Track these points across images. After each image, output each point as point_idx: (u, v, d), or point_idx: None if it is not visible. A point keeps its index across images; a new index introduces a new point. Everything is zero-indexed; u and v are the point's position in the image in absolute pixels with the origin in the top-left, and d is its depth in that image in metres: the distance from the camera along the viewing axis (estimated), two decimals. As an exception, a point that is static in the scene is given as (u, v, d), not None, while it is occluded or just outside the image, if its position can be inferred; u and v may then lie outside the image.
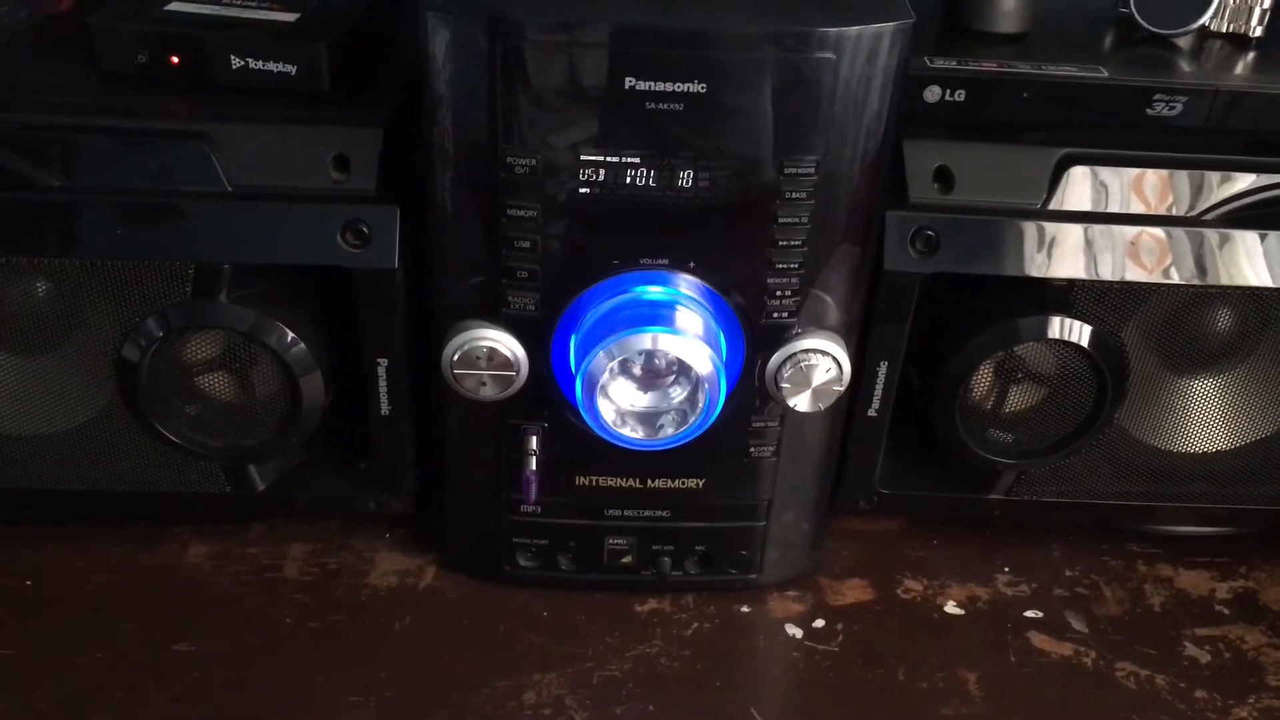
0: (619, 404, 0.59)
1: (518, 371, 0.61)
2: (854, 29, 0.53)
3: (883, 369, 0.66)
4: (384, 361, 0.64)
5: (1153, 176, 0.64)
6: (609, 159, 0.55)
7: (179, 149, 0.60)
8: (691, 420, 0.59)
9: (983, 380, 0.67)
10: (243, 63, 0.62)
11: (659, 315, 0.57)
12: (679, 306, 0.58)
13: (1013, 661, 0.67)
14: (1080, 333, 0.64)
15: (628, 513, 0.68)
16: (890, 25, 0.53)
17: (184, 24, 0.64)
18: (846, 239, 0.59)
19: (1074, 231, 0.62)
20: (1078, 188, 0.63)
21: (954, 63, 0.64)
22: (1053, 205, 0.63)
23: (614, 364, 0.57)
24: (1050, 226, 0.62)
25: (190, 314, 0.62)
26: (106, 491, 0.68)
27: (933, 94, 0.64)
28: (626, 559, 0.69)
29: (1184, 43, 0.71)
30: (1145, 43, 0.71)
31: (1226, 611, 0.72)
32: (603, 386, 0.57)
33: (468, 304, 0.60)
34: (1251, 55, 0.70)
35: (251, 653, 0.66)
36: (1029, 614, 0.71)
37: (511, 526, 0.68)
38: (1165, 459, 0.71)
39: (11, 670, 0.64)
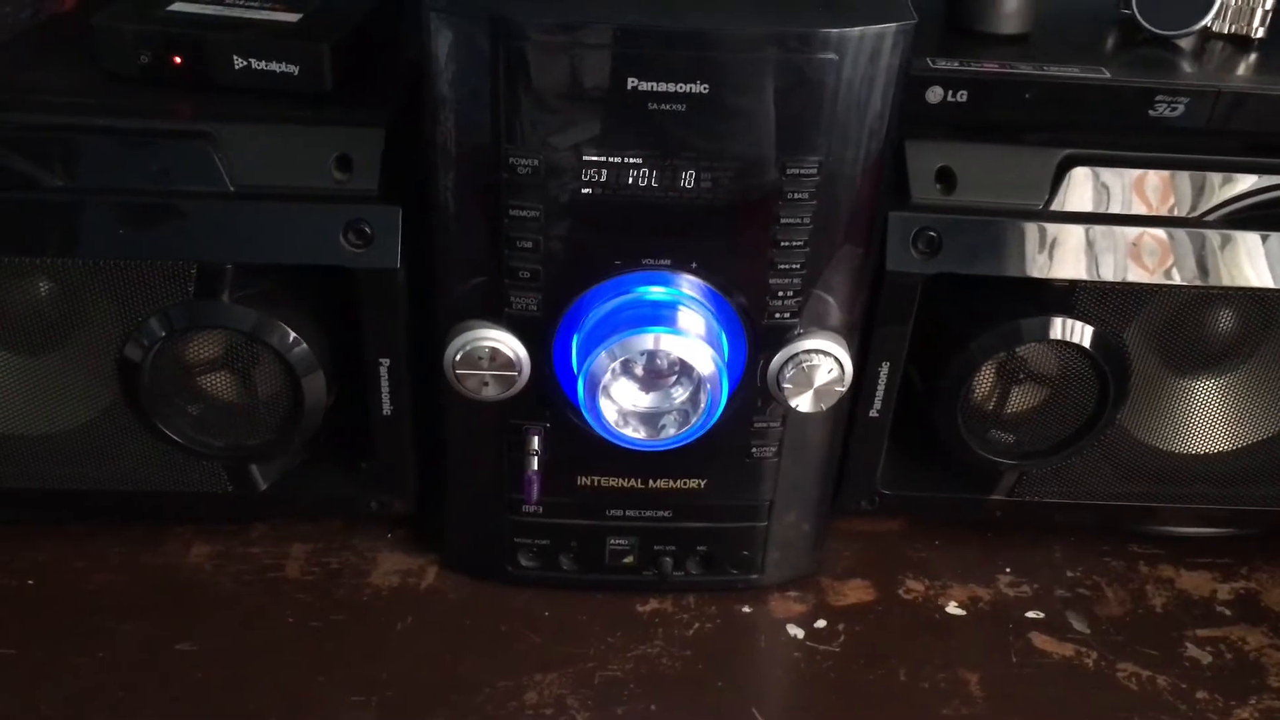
0: (621, 404, 0.59)
1: (520, 372, 0.61)
2: (856, 30, 0.53)
3: (884, 369, 0.66)
4: (386, 361, 0.64)
5: (1155, 177, 0.64)
6: (611, 159, 0.55)
7: (182, 149, 0.60)
8: (693, 421, 0.59)
9: (984, 381, 0.67)
10: (245, 63, 0.62)
11: (661, 315, 0.57)
12: (681, 307, 0.58)
13: (1014, 662, 0.67)
14: (1082, 333, 0.64)
15: (629, 513, 0.68)
16: (892, 26, 0.53)
17: (187, 24, 0.64)
18: (849, 240, 0.59)
19: (1076, 232, 0.62)
20: (1080, 189, 0.63)
21: (956, 64, 0.64)
22: (1055, 206, 0.63)
23: (616, 364, 0.57)
24: (1052, 227, 0.62)
25: (193, 314, 0.62)
26: (108, 491, 0.68)
27: (935, 95, 0.64)
28: (628, 559, 0.69)
29: (1186, 44, 0.71)
30: (1147, 44, 0.71)
31: (1228, 612, 0.72)
32: (605, 387, 0.58)
33: (470, 304, 0.60)
34: (1253, 56, 0.70)
35: (253, 652, 0.66)
36: (1030, 615, 0.71)
37: (513, 526, 0.68)
38: (1167, 460, 0.71)
39: (12, 670, 0.64)
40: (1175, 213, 0.64)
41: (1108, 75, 0.65)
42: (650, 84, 0.53)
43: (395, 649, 0.66)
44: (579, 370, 0.58)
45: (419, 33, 0.53)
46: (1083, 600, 0.72)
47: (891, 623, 0.70)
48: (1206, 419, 0.70)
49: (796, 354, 0.61)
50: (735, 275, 0.59)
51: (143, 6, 0.65)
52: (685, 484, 0.67)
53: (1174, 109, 0.65)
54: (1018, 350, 0.65)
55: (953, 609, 0.71)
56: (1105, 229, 0.63)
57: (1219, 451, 0.71)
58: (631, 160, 0.55)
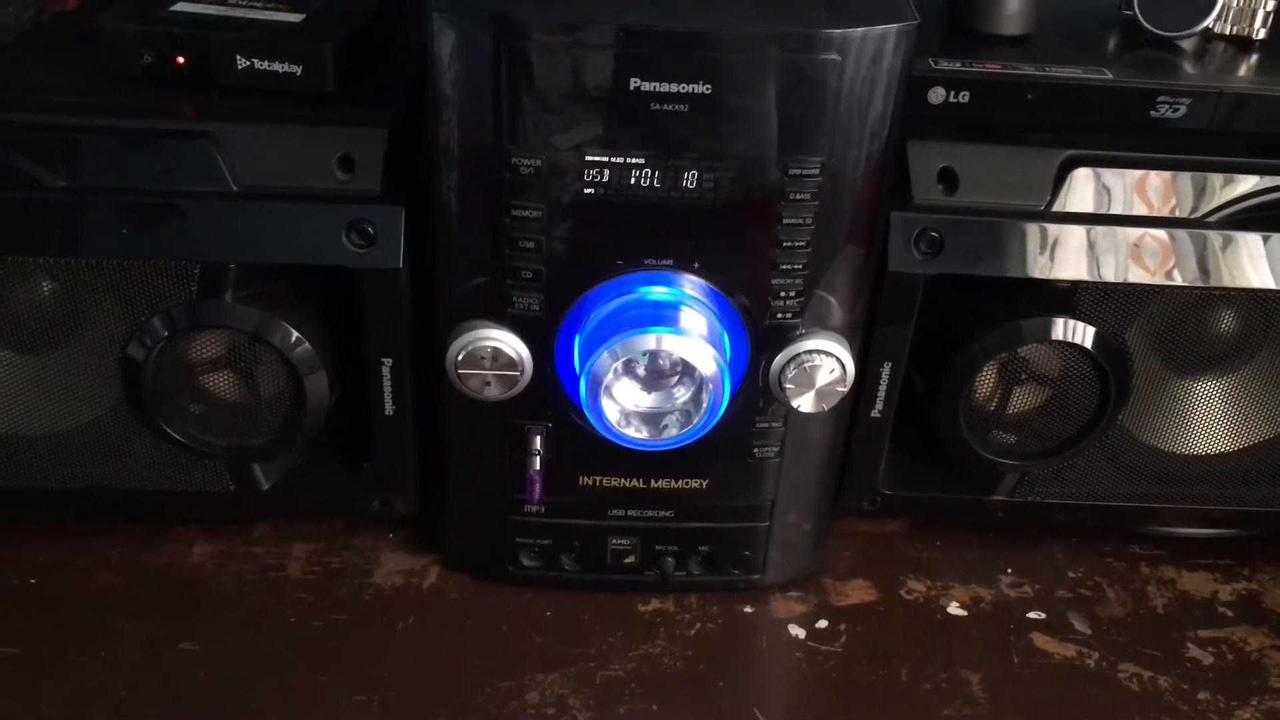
0: (623, 404, 0.59)
1: (522, 372, 0.61)
2: (858, 30, 0.53)
3: (886, 370, 0.66)
4: (388, 361, 0.65)
5: (1156, 178, 0.64)
6: (614, 160, 0.55)
7: (185, 149, 0.60)
8: (695, 421, 0.59)
9: (986, 381, 0.67)
10: (248, 63, 0.62)
11: (663, 316, 0.57)
12: (683, 307, 0.58)
13: (1016, 662, 0.67)
14: (1084, 334, 0.64)
15: (631, 513, 0.68)
16: (895, 27, 0.53)
17: (190, 24, 0.64)
18: (850, 240, 0.59)
19: (1078, 233, 0.63)
20: (1081, 189, 0.64)
21: (958, 64, 0.65)
22: (1056, 207, 0.63)
23: (618, 364, 0.57)
24: (1054, 228, 0.62)
25: (195, 313, 0.62)
26: (111, 490, 0.68)
27: (937, 95, 0.64)
28: (630, 559, 0.69)
29: (1188, 45, 0.71)
30: (1149, 45, 0.71)
31: (1229, 613, 0.72)
32: (607, 387, 0.58)
33: (472, 304, 0.60)
34: (1255, 57, 0.70)
35: (255, 652, 0.66)
36: (1032, 615, 0.71)
37: (515, 526, 0.68)
38: (1169, 461, 0.71)
39: (15, 669, 0.64)
40: (1177, 214, 0.64)
41: (1110, 76, 0.65)
42: (653, 84, 0.53)
43: (397, 649, 0.66)
44: (581, 370, 0.58)
45: (421, 33, 0.53)
46: (1084, 601, 0.72)
47: (893, 623, 0.70)
48: (1208, 420, 0.70)
49: (798, 354, 0.61)
50: (737, 275, 0.59)
51: (146, 6, 0.65)
52: (687, 484, 0.67)
53: (1176, 110, 0.65)
54: (1019, 351, 0.65)
55: (954, 609, 0.71)
56: (1107, 230, 0.63)
57: (1220, 452, 0.71)
58: (634, 160, 0.55)
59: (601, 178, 0.56)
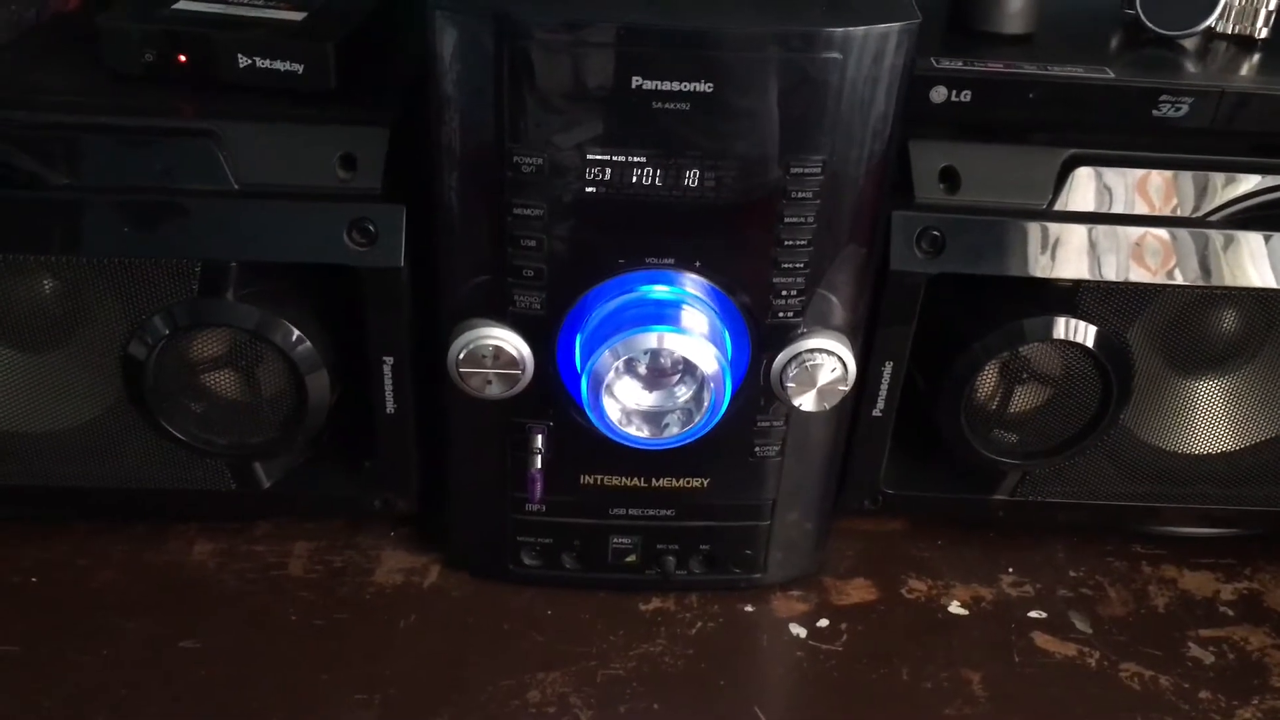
0: (624, 403, 0.59)
1: (523, 370, 0.61)
2: (860, 29, 0.53)
3: (888, 369, 0.66)
4: (389, 360, 0.65)
5: (1158, 178, 0.64)
6: (615, 158, 0.55)
7: (186, 147, 0.60)
8: (697, 419, 0.59)
9: (988, 381, 0.67)
10: (250, 61, 0.62)
11: (665, 314, 0.57)
12: (685, 306, 0.58)
13: (1017, 662, 0.67)
14: (1085, 333, 0.64)
15: (632, 512, 0.68)
16: (896, 25, 0.53)
17: (191, 23, 0.64)
18: (852, 239, 0.59)
19: (1079, 232, 0.63)
20: (1083, 188, 0.64)
21: (960, 63, 0.64)
22: (1058, 206, 0.63)
23: (619, 363, 0.57)
24: (1056, 227, 0.62)
25: (197, 312, 0.62)
26: (112, 489, 0.68)
27: (939, 94, 0.64)
28: (631, 558, 0.69)
29: (1190, 44, 0.71)
30: (1151, 44, 0.71)
31: (1231, 613, 0.72)
32: (608, 385, 0.58)
33: (473, 302, 0.60)
34: (1257, 57, 0.70)
35: (256, 650, 0.66)
36: (1033, 614, 0.71)
37: (516, 525, 0.68)
38: (1170, 460, 0.71)
39: (15, 668, 0.64)
40: (1179, 213, 0.64)
41: (1112, 75, 0.65)
42: (654, 83, 0.53)
43: (398, 647, 0.66)
44: (582, 369, 0.58)
45: (423, 31, 0.53)
46: (1085, 600, 0.72)
47: (894, 622, 0.70)
48: (1210, 419, 0.70)
49: (800, 353, 0.61)
50: (739, 274, 0.59)
51: (147, 5, 0.65)
52: (688, 483, 0.67)
53: (1178, 109, 0.65)
54: (1021, 350, 0.65)
55: (955, 609, 0.71)
56: (1109, 229, 0.63)
57: (1222, 452, 0.71)
58: (635, 159, 0.55)
59: (603, 176, 0.55)
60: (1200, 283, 0.63)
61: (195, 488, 0.68)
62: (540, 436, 0.64)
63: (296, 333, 0.62)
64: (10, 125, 0.60)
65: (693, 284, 0.58)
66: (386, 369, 0.65)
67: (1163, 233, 0.63)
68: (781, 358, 0.61)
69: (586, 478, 0.66)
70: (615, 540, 0.69)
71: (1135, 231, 0.63)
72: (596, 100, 0.54)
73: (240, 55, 0.62)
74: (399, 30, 0.71)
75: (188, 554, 0.72)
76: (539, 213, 0.57)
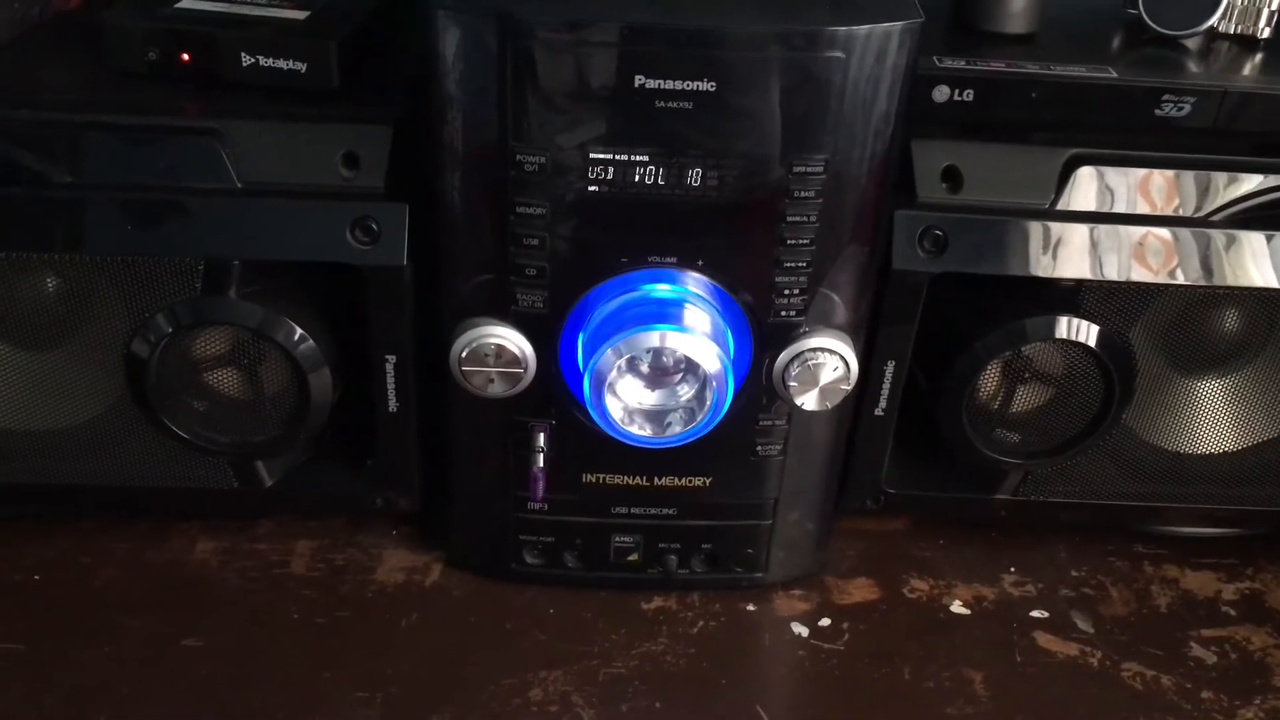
0: (627, 401, 0.59)
1: (525, 369, 0.61)
2: (863, 28, 0.53)
3: (890, 368, 0.66)
4: (392, 358, 0.65)
5: (1160, 177, 0.64)
6: (618, 157, 0.55)
7: (189, 146, 0.60)
8: (699, 418, 0.59)
9: (990, 380, 0.67)
10: (253, 60, 0.62)
11: (667, 313, 0.57)
12: (687, 304, 0.58)
13: (1018, 661, 0.67)
14: (1088, 333, 0.64)
15: (634, 510, 0.68)
16: (899, 24, 0.53)
17: (194, 21, 0.64)
18: (855, 238, 0.59)
19: (1081, 232, 0.62)
20: (1085, 188, 0.63)
21: (962, 62, 0.64)
22: (1060, 205, 0.63)
23: (622, 362, 0.57)
24: (1058, 227, 0.62)
25: (199, 310, 0.62)
26: (114, 487, 0.68)
27: (941, 94, 0.64)
28: (632, 557, 0.69)
29: (1192, 44, 0.71)
30: (1153, 43, 0.71)
31: (1233, 613, 0.72)
32: (610, 384, 0.58)
33: (476, 301, 0.60)
34: (1259, 56, 0.70)
35: (258, 649, 0.66)
36: (1035, 614, 0.71)
37: (518, 524, 0.68)
38: (1172, 460, 0.71)
39: (17, 666, 0.64)
40: (1181, 213, 0.64)
41: (1114, 75, 0.65)
42: (657, 82, 0.53)
43: (400, 646, 0.66)
44: (585, 367, 0.58)
45: (425, 30, 0.53)
46: (1087, 600, 0.72)
47: (896, 622, 0.70)
48: (1212, 419, 0.70)
49: (802, 352, 0.61)
50: (741, 273, 0.59)
51: (150, 4, 0.65)
52: (690, 482, 0.67)
53: (1180, 109, 0.65)
54: (1023, 349, 0.65)
55: (957, 608, 0.71)
56: (1111, 228, 0.63)
57: (1224, 451, 0.71)
58: (638, 158, 0.55)
59: (606, 175, 0.56)
60: (1202, 282, 0.63)
61: (197, 486, 0.68)
62: (542, 435, 0.64)
63: (299, 331, 0.62)
64: (14, 123, 0.60)
65: (695, 283, 0.58)
66: (389, 367, 0.65)
67: (1165, 232, 0.63)
68: (784, 357, 0.61)
69: (588, 476, 0.66)
70: (617, 539, 0.69)
71: (1137, 231, 0.63)
72: (599, 99, 0.54)
73: (243, 54, 0.62)
74: (402, 29, 0.71)
75: (190, 552, 0.72)
76: (541, 211, 0.57)
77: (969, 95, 0.64)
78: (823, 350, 0.60)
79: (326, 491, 0.71)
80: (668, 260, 0.58)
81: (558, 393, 0.62)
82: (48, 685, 0.63)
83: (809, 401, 0.62)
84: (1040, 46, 0.69)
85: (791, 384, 0.61)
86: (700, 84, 0.53)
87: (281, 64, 0.62)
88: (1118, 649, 0.69)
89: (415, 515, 0.74)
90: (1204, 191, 0.64)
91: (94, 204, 0.60)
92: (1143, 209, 0.64)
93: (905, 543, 0.76)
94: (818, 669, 0.67)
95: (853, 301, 0.61)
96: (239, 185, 0.61)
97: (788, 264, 0.58)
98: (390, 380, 0.65)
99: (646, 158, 0.55)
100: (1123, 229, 0.63)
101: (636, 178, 0.56)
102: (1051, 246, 0.63)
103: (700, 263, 0.58)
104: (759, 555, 0.70)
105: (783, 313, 0.60)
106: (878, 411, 0.68)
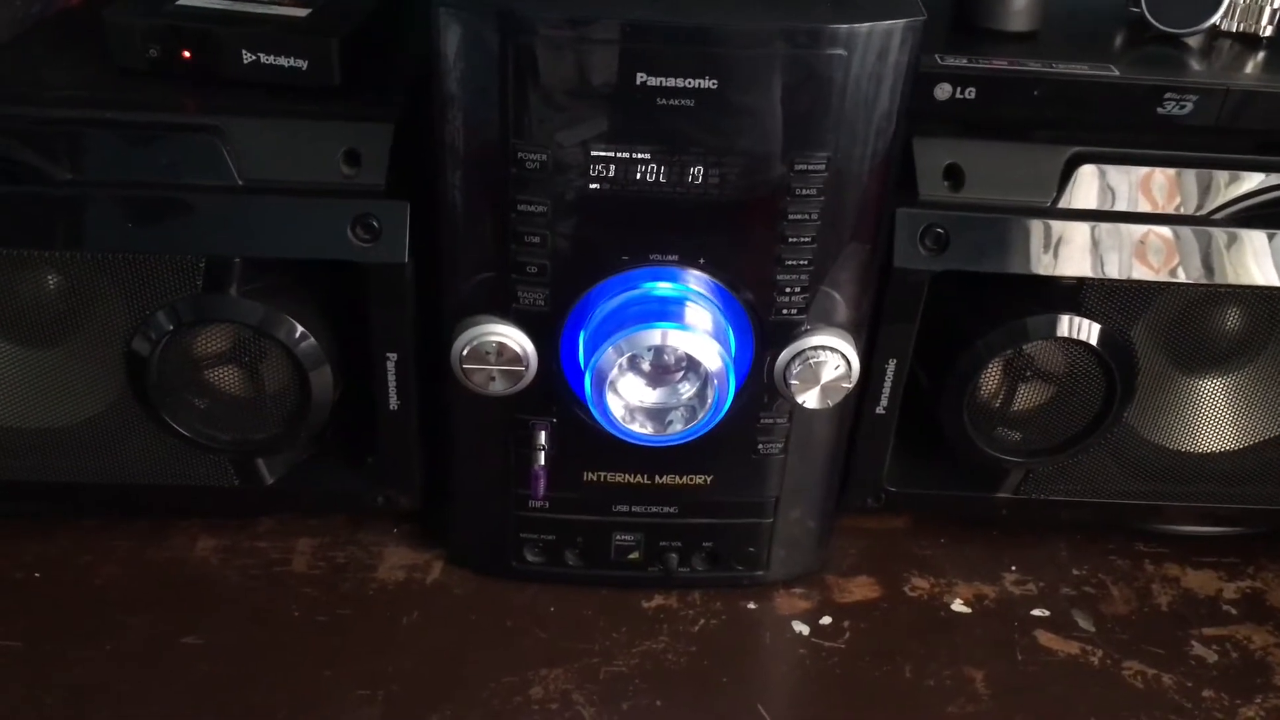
0: (628, 400, 0.59)
1: (527, 367, 0.61)
2: (865, 26, 0.53)
3: (891, 366, 0.66)
4: (393, 356, 0.65)
5: (1162, 175, 0.64)
6: (619, 155, 0.55)
7: (190, 143, 0.60)
8: (700, 416, 0.59)
9: (991, 378, 0.67)
10: (254, 57, 0.62)
11: (668, 311, 0.57)
12: (688, 302, 0.58)
13: (1019, 660, 0.67)
14: (1089, 331, 0.64)
15: (635, 509, 0.68)
16: (901, 22, 0.53)
17: (196, 19, 0.64)
18: (856, 236, 0.59)
19: (1083, 230, 0.62)
20: (1087, 186, 0.63)
21: (964, 60, 0.64)
22: (1062, 204, 0.63)
23: (623, 359, 0.57)
24: (1060, 225, 0.62)
25: (200, 308, 0.62)
26: (114, 485, 0.68)
27: (943, 91, 0.64)
28: (633, 555, 0.69)
29: (1194, 42, 0.71)
30: (1156, 42, 0.71)
31: (1234, 611, 0.72)
32: (612, 382, 0.58)
33: (477, 299, 0.60)
34: (1262, 55, 0.70)
35: (259, 646, 0.66)
36: (1036, 613, 0.71)
37: (519, 522, 0.68)
38: (1173, 458, 0.70)
39: (17, 663, 0.64)
40: (1182, 211, 0.64)
41: (1116, 73, 0.65)
42: (659, 79, 0.53)
43: (401, 644, 0.66)
44: (586, 365, 0.58)
45: (427, 28, 0.53)
46: (1088, 598, 0.72)
47: (897, 620, 0.70)
48: (1213, 417, 0.70)
49: (803, 350, 0.61)
50: (743, 271, 0.59)
51: (152, 1, 0.65)
52: (691, 480, 0.67)
53: (1182, 107, 0.65)
54: (1024, 348, 0.65)
55: (958, 606, 0.71)
56: (1112, 227, 0.62)
57: (1225, 450, 0.71)
58: (639, 156, 0.55)
59: (607, 173, 0.55)
60: (1204, 281, 0.63)
61: (198, 484, 0.68)
62: (543, 433, 0.64)
63: (300, 329, 0.62)
64: (15, 120, 0.60)
65: (696, 281, 0.58)
66: (390, 365, 0.65)
67: (1166, 231, 0.63)
68: (785, 355, 0.61)
69: (589, 474, 0.66)
70: (618, 537, 0.69)
71: (1139, 229, 0.63)
72: (600, 97, 0.54)
73: (245, 51, 0.62)
74: (403, 26, 0.71)
75: (190, 550, 0.72)
76: (543, 209, 0.57)
77: (971, 93, 0.64)
78: (824, 348, 0.60)
79: (327, 489, 0.71)
80: (669, 258, 0.58)
81: (559, 391, 0.62)
82: (47, 683, 0.63)
83: (810, 400, 0.62)
84: (1042, 44, 0.69)
85: (793, 382, 0.61)
86: (702, 81, 0.53)
87: (283, 61, 0.62)
88: (1119, 648, 0.68)
89: (416, 513, 0.74)
90: (1205, 190, 0.64)
91: (95, 201, 0.60)
92: (1144, 207, 0.64)
93: (906, 541, 0.76)
94: (818, 667, 0.67)
95: (854, 299, 0.61)
96: (240, 182, 0.61)
97: (789, 262, 0.58)
98: (391, 378, 0.65)
99: (648, 155, 0.55)
100: (1124, 227, 0.63)
101: (638, 175, 0.55)
102: (1053, 245, 0.62)
103: (701, 260, 0.58)
104: (760, 553, 0.70)
105: (784, 311, 0.60)
106: (879, 410, 0.68)
